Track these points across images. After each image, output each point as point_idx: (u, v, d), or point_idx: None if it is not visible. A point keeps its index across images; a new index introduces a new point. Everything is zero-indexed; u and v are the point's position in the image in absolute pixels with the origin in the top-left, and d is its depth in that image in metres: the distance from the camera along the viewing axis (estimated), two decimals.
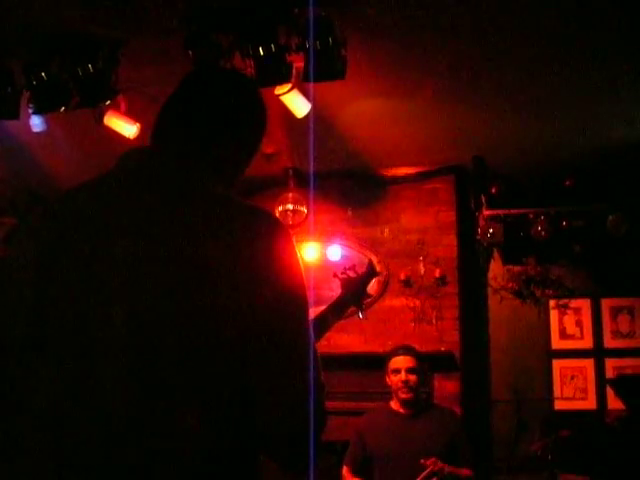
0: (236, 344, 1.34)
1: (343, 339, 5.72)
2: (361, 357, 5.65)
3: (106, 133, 4.86)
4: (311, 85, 4.28)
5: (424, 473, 4.14)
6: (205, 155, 1.55)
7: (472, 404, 5.59)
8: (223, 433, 1.35)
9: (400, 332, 5.88)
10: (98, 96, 4.30)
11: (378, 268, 2.59)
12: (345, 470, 4.56)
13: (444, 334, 5.87)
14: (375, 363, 5.62)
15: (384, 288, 6.10)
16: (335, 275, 2.54)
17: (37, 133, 4.87)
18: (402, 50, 4.47)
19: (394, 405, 4.58)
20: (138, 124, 4.76)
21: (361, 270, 2.61)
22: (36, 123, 4.77)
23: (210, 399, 1.33)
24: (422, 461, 4.14)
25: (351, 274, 2.53)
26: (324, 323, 2.33)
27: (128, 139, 4.85)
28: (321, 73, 3.85)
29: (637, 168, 5.78)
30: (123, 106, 4.68)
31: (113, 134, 4.84)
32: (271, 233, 1.41)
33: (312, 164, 5.77)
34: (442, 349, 5.70)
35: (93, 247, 1.39)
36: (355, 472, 4.54)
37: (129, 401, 1.31)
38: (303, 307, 1.42)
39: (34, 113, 4.57)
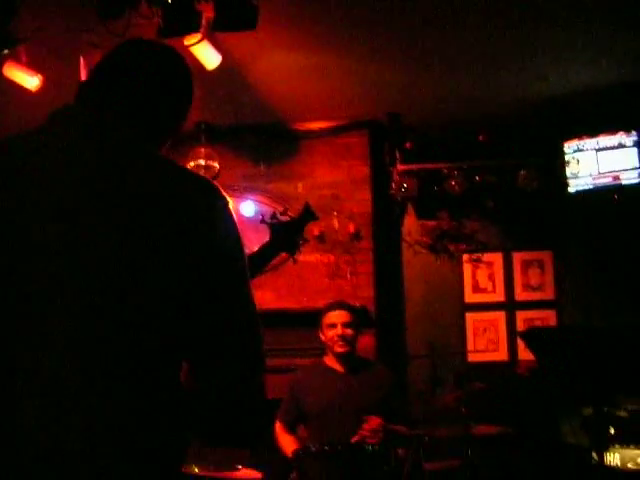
0: (176, 304, 1.38)
1: (256, 295, 5.64)
2: (276, 314, 5.58)
3: (6, 85, 4.66)
4: (221, 36, 4.17)
5: (365, 430, 4.14)
6: (140, 120, 1.58)
7: (388, 359, 5.60)
8: (155, 403, 1.36)
9: (314, 288, 5.85)
10: None
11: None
12: (278, 427, 4.53)
13: (359, 289, 5.87)
14: (290, 319, 5.61)
15: None
16: (263, 221, 2.47)
17: None
18: (316, 2, 4.37)
19: (328, 361, 4.56)
20: (40, 75, 4.56)
21: (294, 214, 2.57)
22: None
23: (145, 364, 1.35)
24: (366, 417, 4.14)
25: (284, 218, 2.47)
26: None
27: (29, 91, 4.65)
28: (231, 23, 3.74)
29: (549, 123, 5.85)
30: (24, 57, 4.47)
31: (14, 86, 4.64)
32: (209, 197, 1.48)
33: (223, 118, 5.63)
34: (357, 304, 5.70)
35: (30, 199, 1.40)
36: (288, 429, 4.52)
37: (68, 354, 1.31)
38: (242, 266, 1.48)
39: None
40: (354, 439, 4.14)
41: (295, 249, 2.51)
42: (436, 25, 4.61)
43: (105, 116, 1.55)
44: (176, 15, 3.76)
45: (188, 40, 4.12)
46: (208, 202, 1.47)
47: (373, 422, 4.19)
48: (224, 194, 1.52)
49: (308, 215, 2.56)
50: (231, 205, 1.53)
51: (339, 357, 4.51)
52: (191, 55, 4.28)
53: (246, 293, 1.49)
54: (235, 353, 1.44)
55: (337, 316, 4.51)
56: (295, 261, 2.55)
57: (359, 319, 4.62)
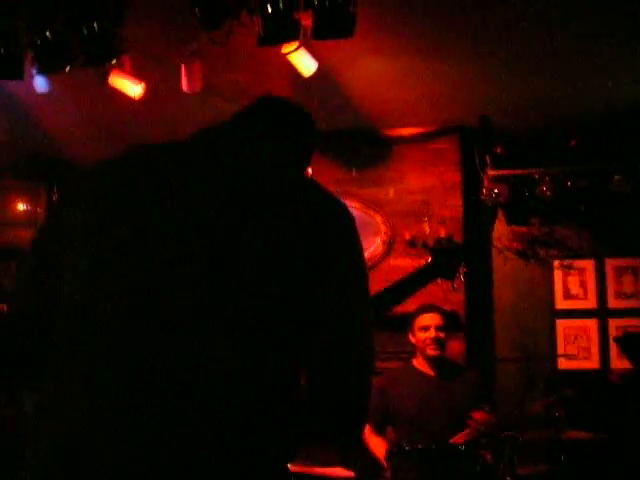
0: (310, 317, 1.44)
1: None
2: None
3: (110, 94, 4.84)
4: (318, 44, 4.26)
5: (471, 430, 4.15)
6: (289, 150, 1.70)
7: (477, 364, 5.61)
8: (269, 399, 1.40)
9: None
10: (103, 55, 4.26)
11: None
12: (367, 428, 4.59)
13: (449, 294, 5.85)
14: (380, 322, 5.65)
15: (389, 248, 6.11)
16: (425, 245, 2.55)
17: (41, 94, 4.83)
18: (410, 9, 4.43)
19: (418, 364, 4.59)
20: (143, 83, 4.74)
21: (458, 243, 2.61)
22: (40, 84, 4.73)
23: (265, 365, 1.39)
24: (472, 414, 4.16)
25: (445, 244, 2.52)
26: (397, 292, 2.33)
27: (132, 99, 4.83)
28: (329, 31, 3.82)
29: None
30: (128, 65, 4.65)
31: (117, 95, 4.82)
32: (343, 228, 1.52)
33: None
34: (447, 309, 5.71)
35: (169, 207, 1.45)
36: (376, 430, 4.57)
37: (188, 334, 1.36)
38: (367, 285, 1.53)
39: (38, 73, 4.53)
40: (460, 436, 4.14)
41: (454, 276, 2.51)
42: (526, 27, 4.60)
43: (258, 138, 1.64)
44: (276, 23, 3.87)
45: (286, 48, 4.24)
46: (346, 225, 1.53)
47: (479, 416, 4.18)
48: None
49: (473, 246, 2.65)
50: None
51: (430, 360, 4.53)
52: (288, 62, 4.42)
53: (367, 310, 1.54)
54: (349, 368, 1.50)
55: (430, 319, 4.53)
56: (454, 288, 2.57)
57: (450, 323, 4.64)
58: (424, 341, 4.50)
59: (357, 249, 1.53)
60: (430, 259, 2.47)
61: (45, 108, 5.58)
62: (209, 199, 1.45)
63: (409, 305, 4.95)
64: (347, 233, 1.51)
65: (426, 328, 4.51)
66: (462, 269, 2.53)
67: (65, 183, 1.65)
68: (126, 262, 1.42)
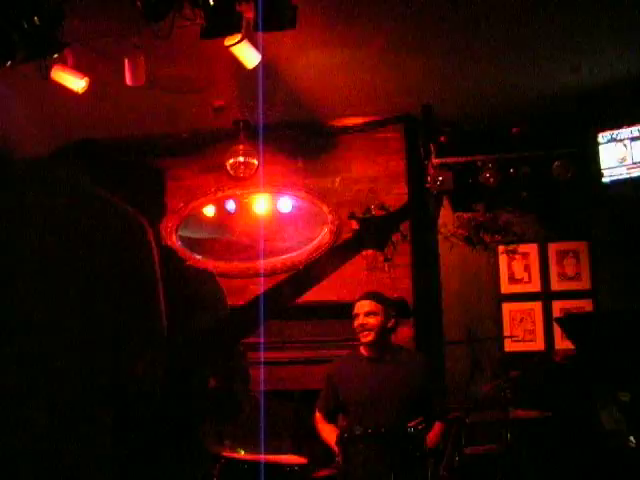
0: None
1: None
2: (315, 306, 5.69)
3: (54, 90, 4.81)
4: (260, 35, 4.27)
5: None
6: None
7: (426, 348, 5.69)
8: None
9: (353, 280, 5.93)
10: (45, 49, 4.21)
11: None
12: (318, 416, 4.64)
13: (397, 281, 5.96)
14: (329, 312, 5.72)
15: (336, 237, 6.15)
16: (352, 215, 2.42)
17: None
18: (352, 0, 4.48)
19: (363, 350, 4.65)
20: (87, 78, 4.71)
21: (390, 209, 2.45)
22: None
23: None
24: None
25: (376, 212, 2.38)
26: (317, 266, 2.29)
27: (76, 95, 4.80)
28: (271, 23, 3.84)
29: (582, 113, 5.89)
30: (70, 60, 4.61)
31: (61, 91, 4.79)
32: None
33: (261, 116, 5.76)
34: (395, 296, 5.79)
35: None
36: (328, 418, 4.62)
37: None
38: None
39: None
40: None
41: (384, 246, 2.39)
42: (469, 17, 4.67)
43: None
44: (218, 16, 3.88)
45: (228, 40, 4.25)
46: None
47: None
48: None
49: (405, 212, 2.46)
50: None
51: (366, 346, 4.60)
52: (231, 55, 4.43)
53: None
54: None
55: (359, 306, 4.60)
56: (388, 259, 2.49)
57: (389, 309, 4.65)
58: (356, 328, 4.57)
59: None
60: (356, 229, 2.38)
61: None
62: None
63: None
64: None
65: (356, 315, 4.58)
66: (394, 239, 2.42)
67: None
68: None
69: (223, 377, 2.31)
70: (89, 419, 1.65)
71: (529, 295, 6.36)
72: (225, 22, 3.94)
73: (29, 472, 1.55)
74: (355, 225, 2.43)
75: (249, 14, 4.01)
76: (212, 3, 3.81)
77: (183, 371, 2.04)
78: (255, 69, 4.58)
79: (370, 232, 2.36)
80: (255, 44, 4.44)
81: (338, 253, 2.39)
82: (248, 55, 4.42)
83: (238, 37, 4.20)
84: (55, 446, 1.57)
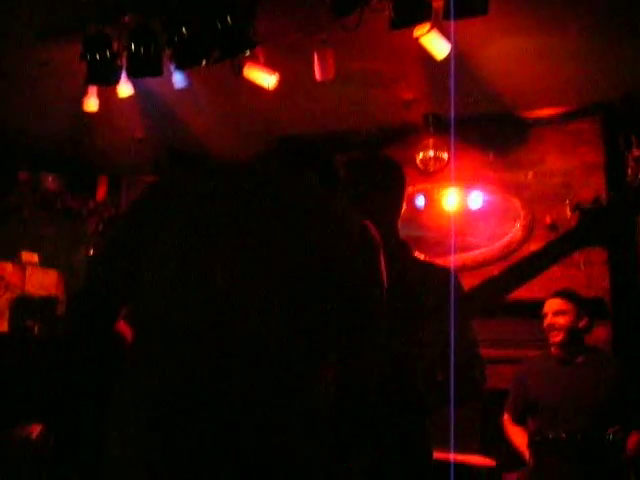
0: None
1: None
2: (508, 304, 5.52)
3: (246, 88, 4.93)
4: (450, 25, 4.18)
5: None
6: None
7: (625, 352, 5.38)
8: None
9: (546, 277, 5.67)
10: (237, 47, 4.34)
11: None
12: (506, 418, 4.50)
13: (593, 280, 5.67)
14: (520, 310, 5.52)
15: (528, 233, 5.95)
16: (577, 207, 2.19)
17: (179, 90, 4.97)
18: None
19: (553, 350, 4.46)
20: (277, 74, 4.80)
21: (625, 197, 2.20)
22: (178, 80, 4.86)
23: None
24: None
25: (599, 203, 2.12)
26: (530, 264, 2.21)
27: (267, 92, 4.89)
28: (462, 9, 3.75)
29: None
30: (262, 57, 4.71)
31: (252, 88, 4.90)
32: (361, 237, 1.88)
33: (452, 108, 5.65)
34: (591, 295, 5.51)
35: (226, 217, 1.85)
36: (517, 420, 4.47)
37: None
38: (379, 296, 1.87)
39: (176, 69, 4.66)
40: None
41: (607, 239, 2.21)
42: None
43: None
44: (406, 6, 3.83)
45: (417, 31, 4.19)
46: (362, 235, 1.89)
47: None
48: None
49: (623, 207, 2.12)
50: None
51: (557, 346, 4.39)
52: (420, 47, 4.36)
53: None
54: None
55: (549, 305, 4.39)
56: (616, 251, 2.25)
57: (582, 308, 4.41)
58: (545, 328, 4.38)
59: (374, 260, 1.86)
60: (579, 221, 2.14)
61: (184, 104, 5.73)
62: (262, 215, 1.84)
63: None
64: (364, 244, 1.86)
65: (545, 314, 4.38)
66: (616, 236, 2.21)
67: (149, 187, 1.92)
68: (206, 263, 1.79)
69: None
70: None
71: None
72: (414, 11, 3.88)
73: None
74: (576, 217, 2.23)
75: (437, 2, 3.94)
76: None
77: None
78: (445, 60, 4.49)
79: (595, 225, 2.14)
80: (444, 34, 4.35)
81: (553, 249, 2.23)
82: (437, 45, 4.33)
83: (427, 27, 4.14)
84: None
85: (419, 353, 2.25)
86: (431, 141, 6.01)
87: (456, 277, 2.40)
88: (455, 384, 2.27)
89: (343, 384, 1.81)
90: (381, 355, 1.86)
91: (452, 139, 5.86)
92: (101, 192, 7.58)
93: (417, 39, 4.26)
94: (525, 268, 2.34)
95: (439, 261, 5.96)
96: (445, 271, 2.45)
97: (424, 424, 2.40)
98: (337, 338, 1.81)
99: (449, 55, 4.44)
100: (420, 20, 4.00)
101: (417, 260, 2.62)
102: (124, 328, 1.93)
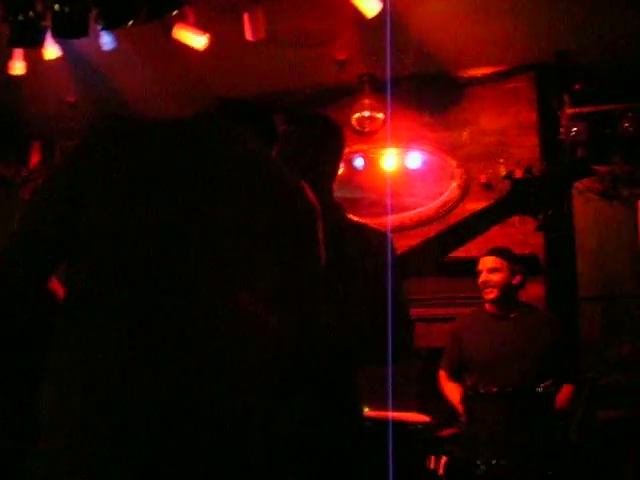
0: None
1: None
2: (443, 262, 5.56)
3: (177, 49, 4.84)
4: None
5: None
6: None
7: (559, 307, 5.47)
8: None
9: (482, 236, 5.76)
10: (164, 7, 4.26)
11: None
12: (442, 375, 4.56)
13: (528, 237, 5.72)
14: (457, 268, 5.57)
15: (465, 192, 5.99)
16: (507, 176, 2.21)
17: (109, 52, 4.87)
18: None
19: (489, 308, 4.51)
20: (207, 34, 4.72)
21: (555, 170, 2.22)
22: (106, 41, 4.76)
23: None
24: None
25: (531, 174, 2.15)
26: (465, 228, 2.20)
27: (198, 52, 4.82)
28: None
29: None
30: (191, 17, 4.63)
31: (184, 50, 4.82)
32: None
33: (389, 68, 5.63)
34: (526, 252, 5.58)
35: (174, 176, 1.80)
36: (453, 377, 4.53)
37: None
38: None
39: (103, 29, 4.56)
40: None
41: (536, 211, 2.24)
42: None
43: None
44: None
45: None
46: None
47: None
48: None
49: (576, 168, 2.18)
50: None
51: (491, 303, 4.45)
52: (351, 5, 4.33)
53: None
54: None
55: (482, 262, 4.45)
56: (541, 228, 2.32)
57: (515, 265, 4.47)
58: (479, 285, 4.43)
59: (311, 226, 1.84)
60: (510, 191, 2.20)
61: (115, 66, 5.61)
62: (199, 171, 1.80)
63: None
64: (302, 208, 1.85)
65: (479, 272, 4.43)
66: (547, 208, 2.25)
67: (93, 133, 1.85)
68: (148, 216, 1.74)
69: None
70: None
71: None
72: None
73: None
74: (508, 185, 2.27)
75: None
76: None
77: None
78: (378, 20, 4.46)
79: (526, 195, 2.20)
80: None
81: (487, 215, 2.24)
82: (368, 3, 4.30)
83: None
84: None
85: (352, 314, 2.25)
86: (366, 101, 5.99)
87: (390, 239, 2.40)
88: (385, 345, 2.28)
89: (283, 343, 1.81)
90: (320, 319, 1.86)
91: (389, 99, 5.84)
92: (34, 159, 7.41)
93: None
94: (460, 232, 2.36)
95: (376, 222, 6.06)
96: (379, 233, 2.44)
97: (353, 381, 2.40)
98: (276, 300, 1.80)
99: (383, 14, 4.42)
100: None
101: (351, 221, 2.61)
102: (56, 285, 1.87)
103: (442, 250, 2.21)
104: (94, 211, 1.74)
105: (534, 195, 2.16)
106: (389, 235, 2.37)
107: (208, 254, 1.73)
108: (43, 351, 1.73)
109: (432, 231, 5.29)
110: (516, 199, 2.16)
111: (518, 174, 2.19)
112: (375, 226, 2.54)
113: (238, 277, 1.74)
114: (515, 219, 5.58)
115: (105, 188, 1.75)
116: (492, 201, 2.25)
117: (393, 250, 2.37)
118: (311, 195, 1.88)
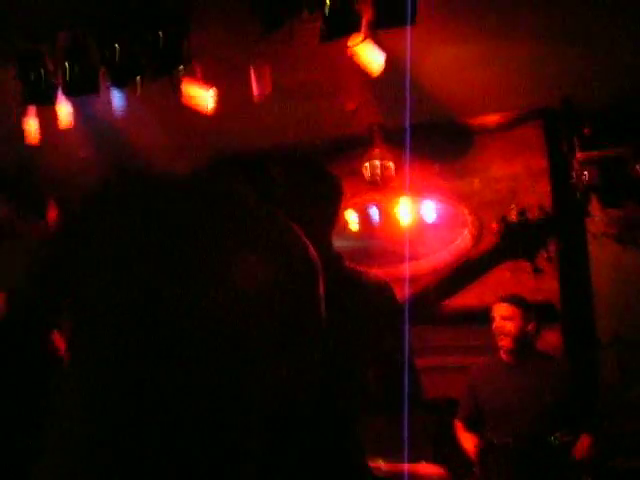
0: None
1: None
2: (456, 310, 5.52)
3: (186, 105, 4.90)
4: (386, 36, 4.18)
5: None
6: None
7: (577, 354, 5.40)
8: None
9: (496, 283, 5.71)
10: (171, 64, 4.31)
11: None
12: (459, 425, 4.50)
13: (542, 283, 5.68)
14: (472, 316, 5.52)
15: (477, 240, 5.97)
16: (503, 220, 2.21)
17: (119, 109, 4.93)
18: None
19: (502, 355, 4.46)
20: (215, 89, 4.77)
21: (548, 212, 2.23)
22: (116, 98, 4.83)
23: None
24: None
25: (532, 215, 2.17)
26: (458, 279, 2.21)
27: (206, 106, 4.86)
28: (390, 19, 3.76)
29: None
30: (199, 72, 4.68)
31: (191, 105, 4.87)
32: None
33: (407, 119, 5.65)
34: (539, 298, 5.53)
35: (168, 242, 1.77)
36: (469, 426, 4.46)
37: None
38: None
39: (111, 87, 4.62)
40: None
41: (532, 255, 2.26)
42: (604, 4, 4.40)
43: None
44: (336, 17, 3.84)
45: (351, 41, 4.19)
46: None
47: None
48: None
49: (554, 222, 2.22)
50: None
51: (504, 352, 4.40)
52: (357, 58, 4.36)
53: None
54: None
55: (496, 310, 4.42)
56: (538, 270, 2.33)
57: (529, 312, 4.43)
58: (494, 330, 4.39)
59: (314, 286, 1.82)
60: (500, 237, 2.24)
61: (127, 122, 5.68)
62: (199, 235, 1.77)
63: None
64: (305, 269, 1.82)
65: (493, 319, 4.40)
66: (547, 248, 2.27)
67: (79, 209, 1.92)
68: (144, 281, 1.71)
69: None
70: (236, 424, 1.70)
71: None
72: (343, 24, 3.89)
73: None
74: (499, 231, 2.28)
75: (369, 14, 3.95)
76: (328, 3, 3.76)
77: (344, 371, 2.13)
78: (385, 71, 4.49)
79: (516, 240, 2.22)
80: (381, 45, 4.35)
81: (482, 261, 2.27)
82: (373, 56, 4.33)
83: (360, 37, 4.14)
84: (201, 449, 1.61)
85: (352, 364, 2.24)
86: (377, 151, 6.02)
87: (389, 287, 2.39)
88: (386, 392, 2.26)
89: (280, 396, 1.81)
90: (316, 373, 1.86)
91: (407, 149, 5.85)
92: (51, 214, 7.48)
93: (351, 48, 4.26)
94: (455, 280, 2.36)
95: (390, 270, 6.06)
96: (378, 281, 2.44)
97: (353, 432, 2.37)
98: (274, 354, 1.78)
99: (392, 65, 4.45)
100: (350, 32, 4.00)
101: (350, 270, 2.60)
102: (58, 340, 1.89)
103: (437, 299, 2.20)
104: (92, 281, 1.75)
105: (525, 239, 2.15)
106: (388, 284, 2.37)
107: (209, 330, 1.70)
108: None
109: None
110: (507, 244, 2.16)
111: (512, 217, 2.19)
112: (374, 274, 2.53)
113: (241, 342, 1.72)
114: (526, 266, 5.61)
115: (104, 255, 1.77)
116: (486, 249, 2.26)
117: (392, 297, 2.36)
118: (312, 251, 1.87)
